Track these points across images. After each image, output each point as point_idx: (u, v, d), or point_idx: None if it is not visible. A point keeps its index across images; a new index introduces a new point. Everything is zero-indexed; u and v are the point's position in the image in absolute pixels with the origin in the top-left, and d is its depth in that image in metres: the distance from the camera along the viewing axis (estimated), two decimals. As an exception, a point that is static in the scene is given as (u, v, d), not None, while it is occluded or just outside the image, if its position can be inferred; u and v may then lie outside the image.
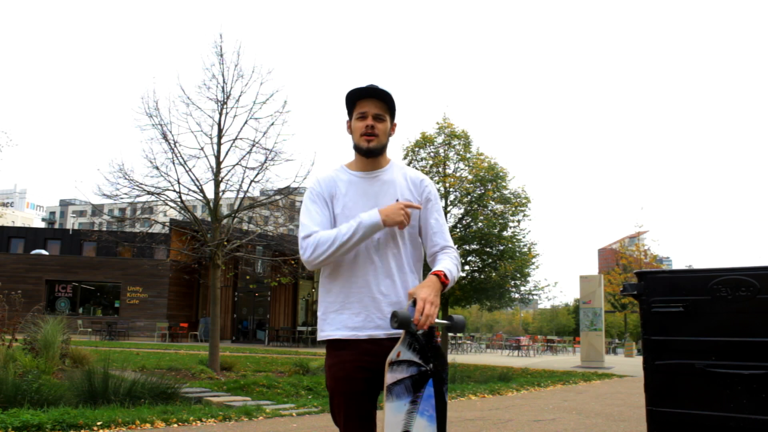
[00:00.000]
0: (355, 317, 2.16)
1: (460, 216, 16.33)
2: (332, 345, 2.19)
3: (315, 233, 2.15)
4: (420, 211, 2.28)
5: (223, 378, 9.91)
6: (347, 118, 2.32)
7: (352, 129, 2.29)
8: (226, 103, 11.02)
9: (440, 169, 15.94)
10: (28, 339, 9.02)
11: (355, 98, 2.26)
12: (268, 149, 10.99)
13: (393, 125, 2.31)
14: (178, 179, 10.90)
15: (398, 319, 1.96)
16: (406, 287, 2.22)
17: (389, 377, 2.00)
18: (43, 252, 31.15)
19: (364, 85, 2.26)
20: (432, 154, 16.22)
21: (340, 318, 2.18)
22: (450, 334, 27.03)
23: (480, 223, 15.56)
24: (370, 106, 2.23)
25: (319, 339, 2.25)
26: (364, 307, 2.16)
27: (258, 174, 11.02)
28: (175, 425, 6.11)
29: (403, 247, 2.24)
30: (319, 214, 2.21)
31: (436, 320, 2.07)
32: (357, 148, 2.27)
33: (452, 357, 20.00)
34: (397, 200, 2.24)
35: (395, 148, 21.98)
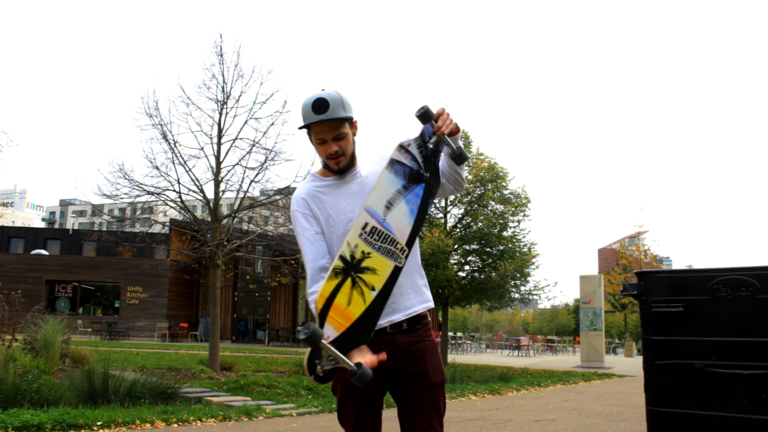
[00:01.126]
0: None
1: (460, 216, 16.34)
2: None
3: (314, 271, 2.12)
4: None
5: (223, 378, 9.91)
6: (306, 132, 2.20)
7: (314, 148, 2.20)
8: (226, 103, 11.03)
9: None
10: (28, 339, 9.02)
11: (307, 123, 2.13)
12: (268, 149, 11.01)
13: (354, 125, 2.20)
14: (178, 179, 10.91)
15: (308, 333, 1.90)
16: (415, 273, 2.22)
17: (395, 153, 2.14)
18: (43, 252, 31.15)
19: (311, 99, 2.10)
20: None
21: None
22: (449, 334, 27.02)
23: (480, 223, 15.57)
24: (325, 131, 2.11)
25: None
26: None
27: (258, 174, 11.03)
28: (175, 425, 6.11)
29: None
30: (316, 240, 2.16)
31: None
32: (327, 167, 2.21)
33: (452, 357, 20.00)
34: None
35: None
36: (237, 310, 29.35)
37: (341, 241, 2.09)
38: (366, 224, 2.08)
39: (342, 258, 2.05)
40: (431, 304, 2.26)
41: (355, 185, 2.21)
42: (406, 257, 2.10)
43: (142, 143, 28.03)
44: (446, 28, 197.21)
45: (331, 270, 2.04)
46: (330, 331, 1.98)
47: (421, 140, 2.15)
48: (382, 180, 2.12)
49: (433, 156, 2.16)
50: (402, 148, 2.15)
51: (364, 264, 2.05)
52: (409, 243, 2.11)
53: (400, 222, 2.11)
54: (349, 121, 2.16)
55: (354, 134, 2.21)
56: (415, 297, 2.19)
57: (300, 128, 2.17)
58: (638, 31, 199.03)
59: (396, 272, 2.07)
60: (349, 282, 2.03)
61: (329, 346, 1.92)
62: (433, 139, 2.13)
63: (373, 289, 2.04)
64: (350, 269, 2.04)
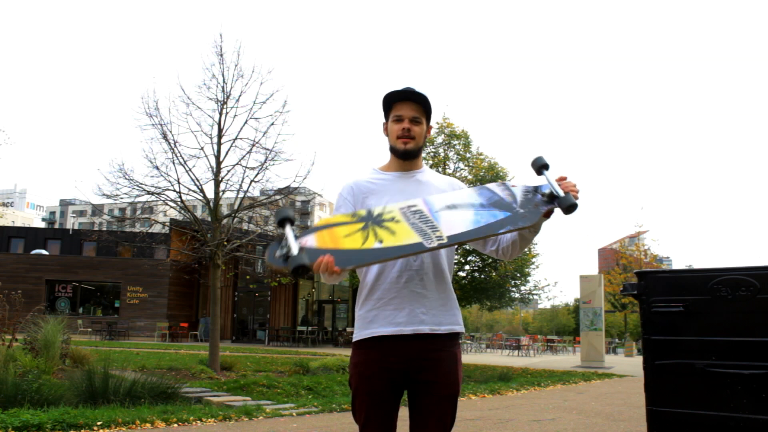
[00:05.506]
0: (399, 313, 2.11)
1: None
2: (358, 344, 2.18)
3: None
4: None
5: (223, 378, 9.91)
6: (383, 120, 2.31)
7: (388, 131, 2.28)
8: (226, 102, 11.02)
9: (440, 169, 15.92)
10: (29, 339, 9.02)
11: (392, 101, 2.24)
12: (268, 149, 11.00)
13: (429, 128, 2.31)
14: (178, 179, 10.90)
15: (280, 211, 1.93)
16: (444, 283, 2.19)
17: (491, 185, 2.11)
18: (43, 252, 31.15)
19: (400, 87, 2.24)
20: (432, 154, 16.22)
21: (383, 314, 2.13)
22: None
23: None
24: (406, 109, 2.22)
25: (360, 338, 2.17)
26: (408, 303, 2.12)
27: (258, 174, 11.02)
28: (175, 425, 6.11)
29: (444, 251, 2.20)
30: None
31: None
32: (393, 149, 2.26)
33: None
34: None
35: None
36: (237, 310, 29.35)
37: None
38: (413, 206, 2.06)
39: (369, 211, 2.06)
40: (458, 328, 2.18)
41: (412, 184, 2.24)
42: (438, 246, 1.95)
43: (142, 143, 27.90)
44: (446, 28, 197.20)
45: (352, 213, 2.05)
46: (310, 240, 1.90)
47: (532, 189, 2.09)
48: (459, 192, 2.11)
49: (539, 201, 2.05)
50: (503, 184, 2.13)
51: (386, 223, 1.99)
52: (451, 240, 1.95)
53: (454, 221, 2.01)
54: (428, 116, 2.26)
55: (426, 136, 2.29)
56: (444, 316, 2.15)
57: (383, 105, 2.25)
58: (638, 31, 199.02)
59: (418, 248, 1.93)
60: (359, 225, 1.99)
61: (288, 229, 1.86)
62: (548, 191, 2.05)
63: (380, 242, 1.93)
64: (369, 219, 2.01)
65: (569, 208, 2.00)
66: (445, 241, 1.95)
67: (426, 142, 2.32)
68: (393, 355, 2.10)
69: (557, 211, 2.05)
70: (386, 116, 2.29)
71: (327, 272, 1.86)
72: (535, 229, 2.10)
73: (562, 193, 2.01)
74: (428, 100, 2.24)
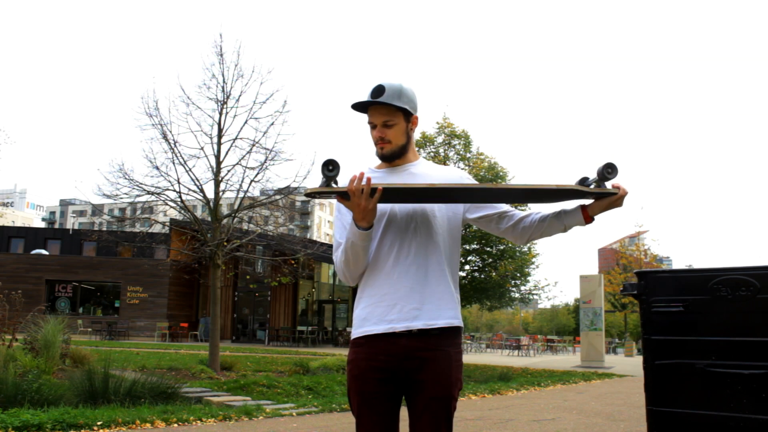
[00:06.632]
0: (391, 310, 2.08)
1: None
2: (353, 343, 2.16)
3: (340, 245, 2.14)
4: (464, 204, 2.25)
5: (223, 378, 9.91)
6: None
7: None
8: (226, 102, 11.02)
9: (440, 168, 15.93)
10: (29, 339, 9.02)
11: (361, 109, 2.20)
12: (268, 149, 11.00)
13: (412, 120, 2.22)
14: (178, 179, 10.90)
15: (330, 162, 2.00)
16: (441, 277, 2.14)
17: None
18: (43, 252, 31.14)
19: (370, 88, 2.19)
20: (432, 153, 16.22)
21: (376, 312, 2.10)
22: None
23: (480, 223, 15.52)
24: (375, 115, 2.18)
25: (354, 336, 2.17)
26: (401, 299, 2.08)
27: (258, 174, 11.02)
28: (175, 425, 6.11)
29: (442, 243, 2.16)
30: (347, 226, 2.15)
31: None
32: (376, 153, 2.26)
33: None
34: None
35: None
36: (237, 310, 29.35)
37: (377, 228, 2.11)
38: None
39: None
40: (456, 322, 2.12)
41: (404, 177, 2.22)
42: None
43: (142, 143, 27.91)
44: (447, 28, 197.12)
45: None
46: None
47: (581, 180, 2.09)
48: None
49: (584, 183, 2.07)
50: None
51: None
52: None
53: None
54: (405, 112, 2.17)
55: (411, 128, 2.23)
56: (441, 310, 2.10)
57: (354, 108, 2.21)
58: (639, 31, 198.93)
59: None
60: None
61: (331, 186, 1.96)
62: (595, 187, 2.04)
63: None
64: None
65: (607, 166, 2.01)
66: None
67: (410, 134, 2.24)
68: (383, 353, 2.06)
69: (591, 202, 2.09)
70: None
71: (359, 187, 1.93)
72: (571, 223, 2.12)
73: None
74: (398, 95, 2.14)
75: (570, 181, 2.10)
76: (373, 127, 2.20)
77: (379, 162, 2.31)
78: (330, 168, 1.94)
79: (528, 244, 15.87)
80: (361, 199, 1.95)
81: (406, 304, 2.07)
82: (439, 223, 2.17)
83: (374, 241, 2.13)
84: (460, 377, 2.13)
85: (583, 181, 2.07)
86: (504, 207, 2.26)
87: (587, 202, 2.11)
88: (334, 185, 1.96)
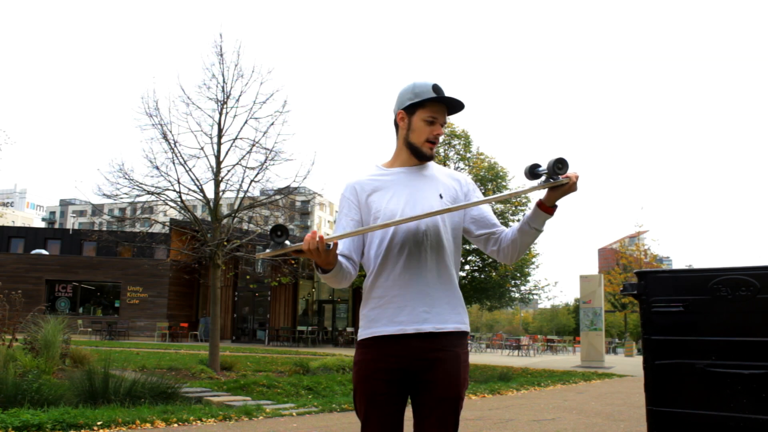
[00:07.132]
0: (401, 311, 2.07)
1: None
2: (360, 344, 2.14)
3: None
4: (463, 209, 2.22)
5: (223, 378, 9.91)
6: (399, 108, 2.19)
7: (409, 126, 2.17)
8: (226, 102, 11.02)
9: (440, 169, 15.93)
10: (29, 339, 9.02)
11: (427, 98, 2.12)
12: (268, 149, 11.00)
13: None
14: (178, 179, 10.90)
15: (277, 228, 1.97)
16: (449, 281, 2.14)
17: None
18: (43, 252, 31.15)
19: (428, 81, 2.12)
20: (432, 153, 16.23)
21: (386, 313, 2.09)
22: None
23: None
24: (441, 113, 2.14)
25: (362, 337, 2.15)
26: (411, 301, 2.07)
27: (258, 174, 11.02)
28: (175, 425, 6.11)
29: (448, 246, 2.15)
30: (348, 226, 2.15)
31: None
32: (415, 149, 2.18)
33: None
34: (440, 195, 2.17)
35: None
36: (237, 310, 29.35)
37: (387, 230, 2.09)
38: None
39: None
40: (464, 327, 2.13)
41: (418, 179, 2.18)
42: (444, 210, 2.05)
43: (142, 143, 27.89)
44: (447, 28, 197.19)
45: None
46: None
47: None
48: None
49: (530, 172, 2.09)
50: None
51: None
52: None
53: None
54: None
55: None
56: (449, 314, 2.09)
57: (413, 95, 2.13)
58: (639, 31, 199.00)
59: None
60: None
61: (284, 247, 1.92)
62: (544, 180, 2.05)
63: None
64: None
65: (557, 161, 2.00)
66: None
67: None
68: (393, 354, 2.05)
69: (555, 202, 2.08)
70: (411, 109, 2.16)
71: (314, 246, 1.87)
72: (537, 222, 2.10)
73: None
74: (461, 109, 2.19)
75: (522, 167, 2.14)
76: (431, 123, 2.14)
77: (385, 161, 2.28)
78: (278, 234, 1.92)
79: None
80: (320, 255, 1.91)
81: (416, 307, 2.06)
82: (447, 226, 2.16)
83: (384, 242, 2.11)
84: (467, 377, 2.14)
85: (535, 167, 2.09)
86: (492, 228, 2.22)
87: (543, 195, 2.11)
88: (288, 243, 1.93)
